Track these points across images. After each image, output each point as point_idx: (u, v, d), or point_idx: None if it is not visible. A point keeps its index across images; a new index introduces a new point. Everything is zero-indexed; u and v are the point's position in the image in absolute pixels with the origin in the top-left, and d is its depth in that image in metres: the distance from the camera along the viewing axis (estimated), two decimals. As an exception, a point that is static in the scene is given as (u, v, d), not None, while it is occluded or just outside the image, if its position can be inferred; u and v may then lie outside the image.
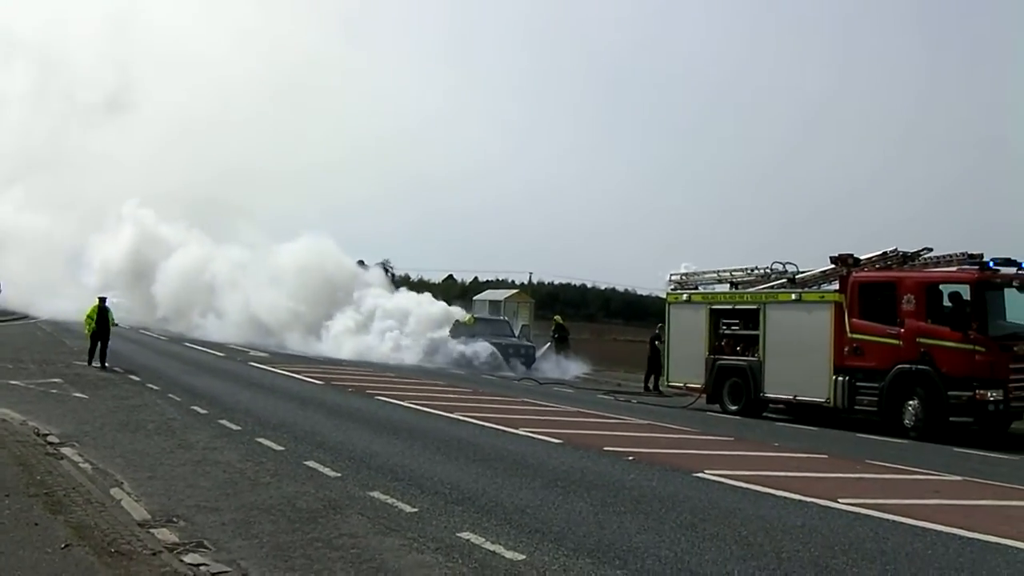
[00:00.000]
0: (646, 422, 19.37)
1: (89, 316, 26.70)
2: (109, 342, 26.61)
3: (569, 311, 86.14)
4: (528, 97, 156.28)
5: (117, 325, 28.61)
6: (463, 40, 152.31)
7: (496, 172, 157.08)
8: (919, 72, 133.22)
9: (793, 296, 21.11)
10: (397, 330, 39.44)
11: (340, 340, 39.96)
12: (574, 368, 36.03)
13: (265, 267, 46.05)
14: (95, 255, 56.64)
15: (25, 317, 51.07)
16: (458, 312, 41.30)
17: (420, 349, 37.94)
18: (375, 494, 10.44)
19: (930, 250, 20.31)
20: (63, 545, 7.94)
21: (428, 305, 41.60)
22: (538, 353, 37.41)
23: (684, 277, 24.63)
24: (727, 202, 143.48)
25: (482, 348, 36.24)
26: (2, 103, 73.08)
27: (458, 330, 38.09)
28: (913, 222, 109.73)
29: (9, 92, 71.86)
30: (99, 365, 25.50)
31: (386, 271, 57.53)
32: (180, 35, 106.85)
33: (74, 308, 45.98)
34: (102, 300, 27.45)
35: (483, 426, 16.82)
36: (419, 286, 59.12)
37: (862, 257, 20.37)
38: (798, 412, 21.26)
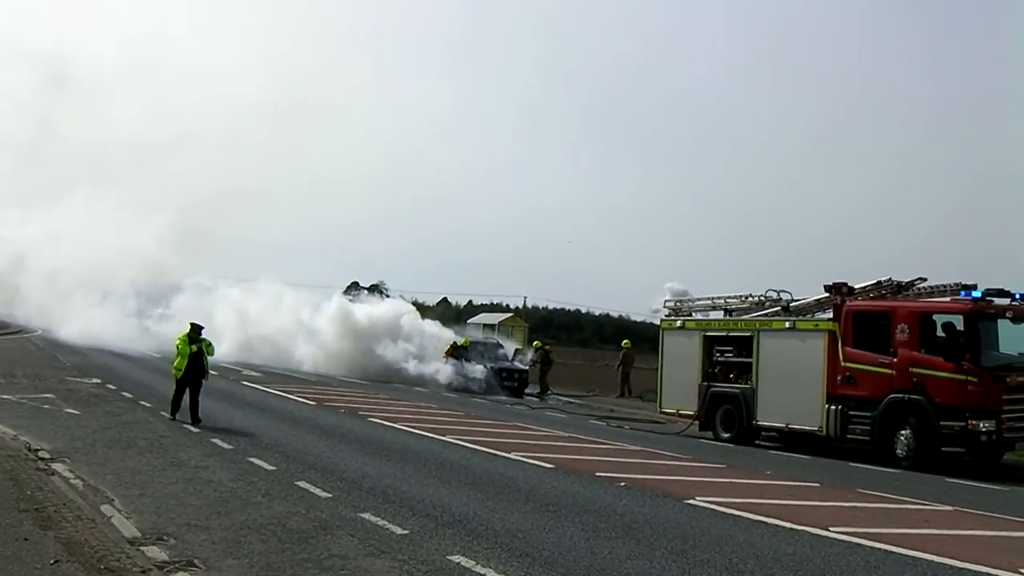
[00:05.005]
0: (638, 448, 19.35)
1: (182, 354, 18.74)
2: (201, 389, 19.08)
3: (562, 336, 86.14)
4: (527, 122, 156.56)
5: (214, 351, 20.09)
6: (463, 65, 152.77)
7: (493, 196, 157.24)
8: (917, 106, 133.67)
9: (787, 324, 21.14)
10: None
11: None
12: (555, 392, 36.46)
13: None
14: None
15: (20, 331, 50.97)
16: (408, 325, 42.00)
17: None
18: (366, 515, 10.44)
19: (924, 280, 20.38)
20: (52, 561, 7.93)
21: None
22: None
23: (678, 304, 24.66)
24: (724, 231, 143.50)
25: (475, 371, 36.24)
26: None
27: (455, 353, 38.03)
28: (908, 254, 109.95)
29: (14, 99, 71.99)
30: (190, 421, 18.36)
31: (381, 292, 57.76)
32: (180, 52, 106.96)
33: None
34: (197, 329, 19.29)
35: (475, 449, 16.80)
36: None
37: (856, 286, 20.40)
38: (790, 440, 21.24)
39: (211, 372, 19.92)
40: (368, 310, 42.29)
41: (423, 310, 53.74)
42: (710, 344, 22.82)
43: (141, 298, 49.52)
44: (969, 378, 17.51)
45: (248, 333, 41.34)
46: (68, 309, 47.38)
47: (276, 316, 43.06)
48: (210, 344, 19.51)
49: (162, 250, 50.31)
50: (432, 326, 42.82)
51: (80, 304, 47.49)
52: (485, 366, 36.57)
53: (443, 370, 37.06)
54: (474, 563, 8.52)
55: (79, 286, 48.36)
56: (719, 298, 23.91)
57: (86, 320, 45.11)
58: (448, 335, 41.07)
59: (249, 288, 46.52)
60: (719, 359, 22.62)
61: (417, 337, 40.57)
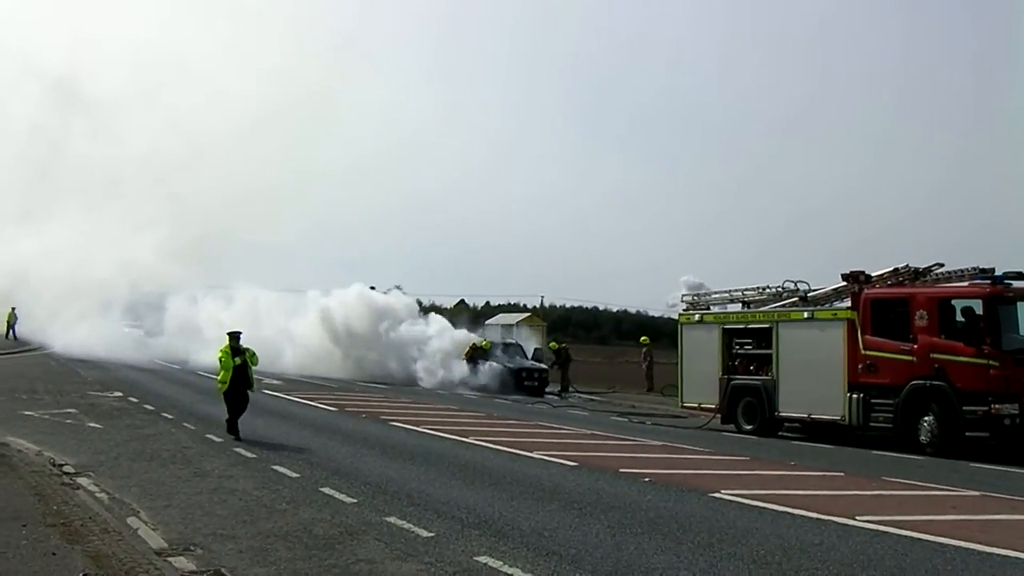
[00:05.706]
0: (661, 443, 19.32)
1: (225, 367, 17.94)
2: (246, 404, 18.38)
3: (580, 333, 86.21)
4: (527, 118, 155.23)
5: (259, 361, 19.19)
6: (455, 57, 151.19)
7: (519, 199, 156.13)
8: (896, 79, 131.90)
9: (805, 314, 21.09)
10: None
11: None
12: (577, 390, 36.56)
13: None
14: None
15: (39, 348, 51.24)
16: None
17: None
18: (391, 519, 10.45)
19: (941, 265, 20.31)
20: (81, 575, 7.97)
21: None
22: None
23: (695, 297, 24.62)
24: (744, 222, 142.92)
25: (495, 371, 36.28)
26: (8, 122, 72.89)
27: (474, 354, 38.06)
28: (926, 238, 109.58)
29: (18, 115, 71.45)
30: (227, 431, 17.90)
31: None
32: (169, 54, 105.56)
33: None
34: (236, 337, 18.30)
35: (498, 450, 16.81)
36: (432, 311, 59.13)
37: (874, 274, 20.36)
38: (813, 430, 21.19)
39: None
40: (340, 297, 41.94)
41: (441, 313, 53.65)
42: (729, 337, 22.79)
43: (141, 308, 50.05)
44: (991, 362, 17.45)
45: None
46: (68, 321, 47.43)
47: (258, 321, 42.47)
48: (254, 354, 18.50)
49: (165, 260, 50.29)
50: (411, 325, 41.94)
51: (79, 316, 47.50)
52: (504, 366, 36.63)
53: (420, 367, 37.42)
54: (501, 563, 8.52)
55: (79, 298, 48.41)
56: (736, 290, 23.88)
57: (86, 332, 45.21)
58: (431, 329, 40.99)
59: (229, 295, 46.44)
60: (739, 351, 22.59)
61: (389, 331, 40.53)
